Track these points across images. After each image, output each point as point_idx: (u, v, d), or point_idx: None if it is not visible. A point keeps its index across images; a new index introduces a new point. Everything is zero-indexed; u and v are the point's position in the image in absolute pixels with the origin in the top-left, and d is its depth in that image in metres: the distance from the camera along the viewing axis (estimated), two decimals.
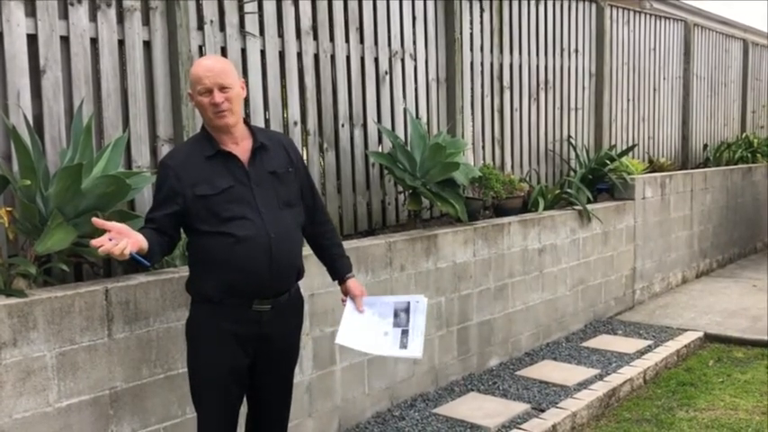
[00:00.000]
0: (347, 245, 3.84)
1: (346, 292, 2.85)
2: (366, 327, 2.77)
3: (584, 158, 6.24)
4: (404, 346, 2.72)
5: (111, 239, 2.24)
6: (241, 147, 2.58)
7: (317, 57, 4.18)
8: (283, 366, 2.71)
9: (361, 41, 4.44)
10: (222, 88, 2.48)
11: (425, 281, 4.26)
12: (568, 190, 5.75)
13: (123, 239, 2.26)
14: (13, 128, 2.83)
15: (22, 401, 2.58)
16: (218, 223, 2.48)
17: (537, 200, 5.39)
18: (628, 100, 7.12)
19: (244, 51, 3.80)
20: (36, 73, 3.03)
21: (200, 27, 3.59)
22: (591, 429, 3.92)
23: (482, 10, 5.32)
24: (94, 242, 2.23)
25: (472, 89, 5.28)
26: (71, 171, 2.78)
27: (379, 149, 4.61)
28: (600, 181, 6.20)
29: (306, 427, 3.61)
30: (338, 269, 2.87)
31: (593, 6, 6.53)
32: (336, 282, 2.90)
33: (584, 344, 5.25)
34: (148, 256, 2.40)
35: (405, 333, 2.75)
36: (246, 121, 2.67)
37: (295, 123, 4.08)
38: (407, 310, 2.79)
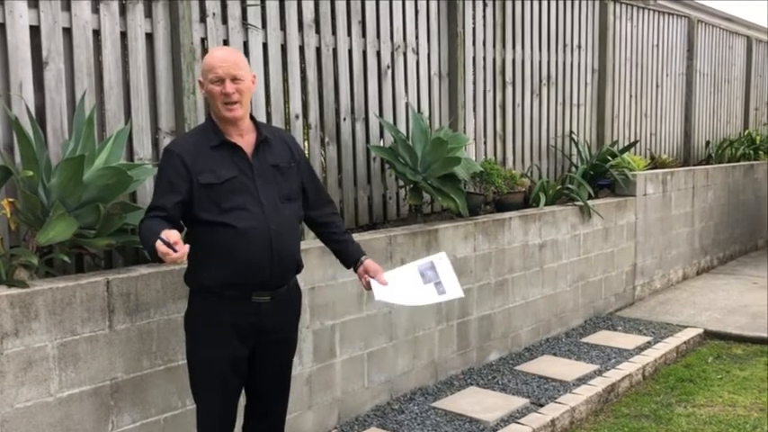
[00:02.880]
0: None
1: (365, 273, 2.79)
2: (398, 287, 2.78)
3: (585, 154, 6.24)
4: (442, 292, 2.78)
5: (175, 251, 2.26)
6: (245, 139, 2.60)
7: (318, 50, 4.18)
8: (281, 358, 2.72)
9: (364, 35, 4.44)
10: (234, 79, 2.50)
11: None
12: (570, 186, 5.76)
13: (185, 246, 2.29)
14: (15, 119, 2.84)
15: (24, 391, 2.59)
16: (218, 213, 2.49)
17: (538, 195, 5.40)
18: (630, 96, 7.11)
19: (246, 44, 3.79)
20: (38, 64, 3.03)
21: (203, 19, 3.59)
22: (589, 424, 3.93)
23: (485, 5, 5.31)
24: (170, 258, 2.26)
25: (474, 84, 5.28)
26: (73, 162, 2.79)
27: (381, 144, 4.61)
28: (601, 177, 6.21)
29: (305, 420, 3.63)
30: (352, 253, 2.84)
31: (597, 2, 6.52)
32: (352, 269, 2.85)
33: (584, 339, 5.26)
34: None
35: (438, 284, 2.79)
36: (252, 115, 2.69)
37: (297, 117, 4.08)
38: (433, 268, 2.84)
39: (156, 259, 2.36)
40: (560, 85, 6.14)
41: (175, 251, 2.25)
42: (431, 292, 2.79)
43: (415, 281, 2.81)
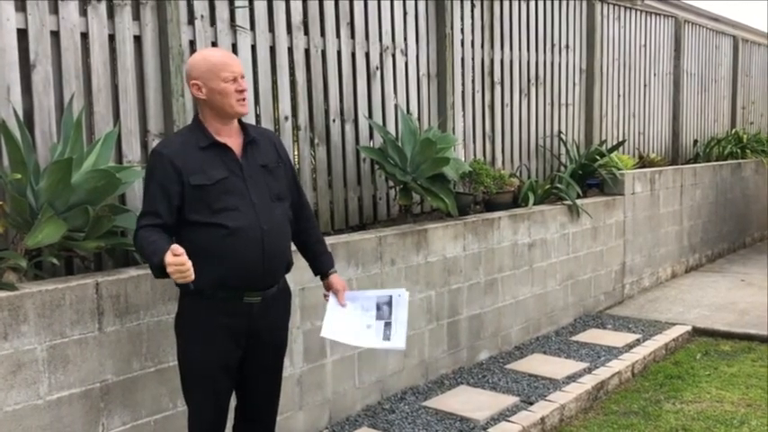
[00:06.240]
0: (338, 239, 3.88)
1: (329, 288, 2.88)
2: (350, 320, 2.80)
3: (574, 154, 6.28)
4: (387, 338, 2.77)
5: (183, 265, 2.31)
6: (233, 140, 2.61)
7: (307, 52, 4.19)
8: (272, 359, 2.73)
9: (352, 36, 4.45)
10: (242, 77, 2.57)
11: (415, 275, 4.29)
12: (558, 185, 5.79)
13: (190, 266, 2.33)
14: (2, 122, 2.83)
15: (13, 394, 2.59)
16: (210, 214, 2.50)
17: (527, 195, 5.42)
18: (618, 96, 7.15)
19: (234, 46, 3.80)
20: (26, 68, 3.03)
21: (191, 22, 3.59)
22: (579, 422, 3.96)
23: (473, 6, 5.34)
24: (177, 278, 2.32)
25: (463, 85, 5.30)
26: (61, 165, 2.79)
27: (371, 145, 4.62)
28: (590, 176, 6.25)
29: (296, 420, 3.64)
30: (321, 264, 2.90)
31: (585, 2, 6.56)
32: (319, 277, 2.93)
33: (574, 338, 5.29)
34: None
35: (388, 325, 2.79)
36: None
37: (286, 118, 4.09)
38: (390, 303, 2.83)
39: (160, 275, 2.38)
40: (549, 85, 6.17)
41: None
42: (377, 333, 2.78)
43: (369, 313, 2.82)
